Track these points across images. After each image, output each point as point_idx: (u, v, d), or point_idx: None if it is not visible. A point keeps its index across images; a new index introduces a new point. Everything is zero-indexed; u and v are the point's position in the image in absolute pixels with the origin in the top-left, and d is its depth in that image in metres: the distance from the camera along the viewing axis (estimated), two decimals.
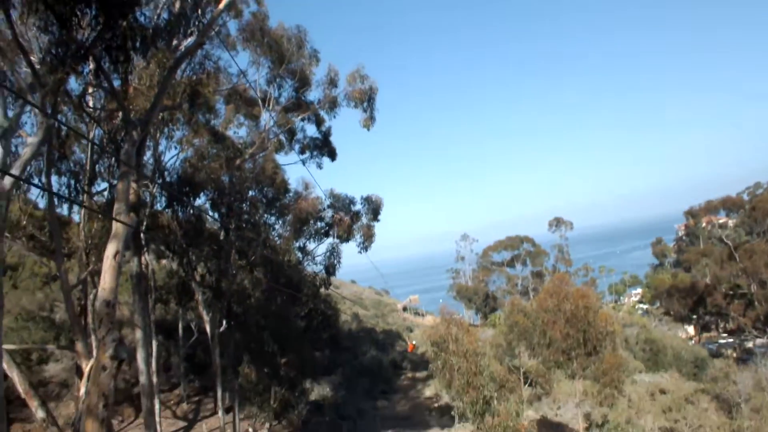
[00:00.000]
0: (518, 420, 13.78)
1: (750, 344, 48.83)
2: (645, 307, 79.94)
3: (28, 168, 14.63)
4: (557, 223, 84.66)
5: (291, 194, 23.06)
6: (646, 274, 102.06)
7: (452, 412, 14.54)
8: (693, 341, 56.16)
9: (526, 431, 13.85)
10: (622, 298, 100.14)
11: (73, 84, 14.40)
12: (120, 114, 14.86)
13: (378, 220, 25.73)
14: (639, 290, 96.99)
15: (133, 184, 14.43)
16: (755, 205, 62.62)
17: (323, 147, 24.90)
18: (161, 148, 19.83)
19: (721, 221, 79.44)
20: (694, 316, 62.87)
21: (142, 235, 17.03)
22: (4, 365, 10.23)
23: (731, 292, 53.75)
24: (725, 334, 58.98)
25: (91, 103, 15.90)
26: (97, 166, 17.05)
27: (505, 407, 13.79)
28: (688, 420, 18.64)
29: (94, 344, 14.62)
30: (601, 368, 15.33)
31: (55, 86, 10.78)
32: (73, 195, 16.53)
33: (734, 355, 45.75)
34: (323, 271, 24.82)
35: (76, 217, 17.62)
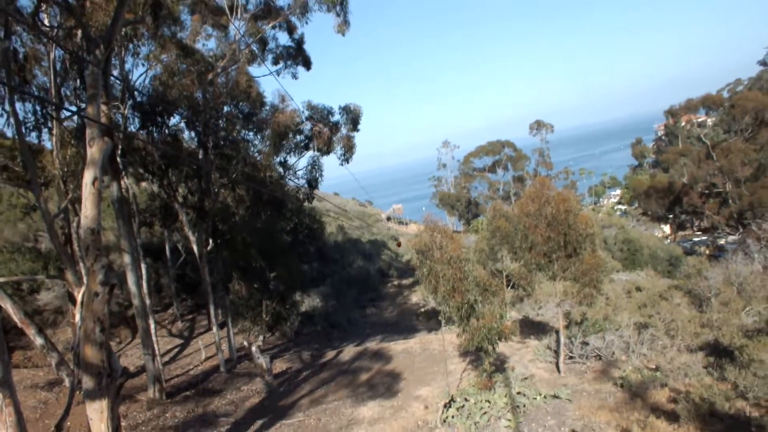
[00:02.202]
0: (502, 321, 14.26)
1: (722, 241, 50.48)
2: (623, 208, 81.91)
3: None
4: (538, 126, 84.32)
5: (267, 108, 22.38)
6: (625, 176, 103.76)
7: (439, 317, 15.04)
8: (669, 240, 58.02)
9: (510, 331, 14.37)
10: (601, 199, 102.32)
11: (24, 1, 13.49)
12: (79, 32, 14.05)
13: (358, 130, 25.24)
14: (618, 191, 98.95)
15: (103, 107, 13.93)
16: (734, 103, 62.15)
17: (297, 56, 23.87)
18: (128, 66, 18.90)
19: (700, 120, 79.36)
20: (671, 216, 64.40)
21: (119, 158, 16.65)
22: None
23: (707, 191, 54.78)
24: (699, 232, 60.84)
25: (47, 21, 14.91)
26: (62, 89, 16.29)
27: (490, 310, 14.20)
28: (662, 315, 19.56)
29: (83, 271, 14.69)
30: (580, 269, 15.69)
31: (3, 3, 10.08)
32: (41, 121, 15.91)
33: (707, 252, 47.48)
34: (306, 185, 24.66)
35: (48, 144, 17.03)
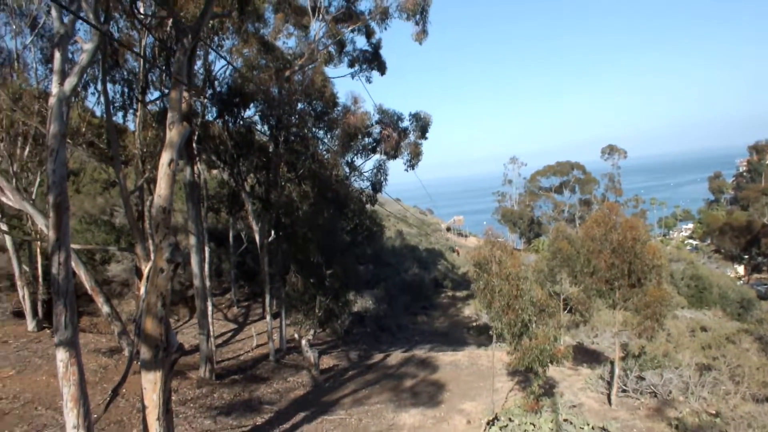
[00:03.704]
0: (555, 344, 13.86)
1: None
2: (695, 243, 77.95)
3: (85, 75, 14.88)
4: (610, 150, 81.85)
5: (339, 108, 22.68)
6: (699, 210, 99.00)
7: (490, 332, 14.80)
8: (742, 281, 54.69)
9: (562, 355, 13.94)
10: (671, 232, 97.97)
11: None
12: (170, 21, 14.75)
13: (426, 138, 25.24)
14: (690, 225, 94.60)
15: (185, 94, 14.57)
16: None
17: (373, 60, 24.22)
18: (211, 57, 19.72)
19: None
20: (746, 256, 60.92)
21: (194, 144, 17.37)
22: (72, 263, 10.85)
23: None
24: None
25: (142, 10, 15.75)
26: (149, 74, 17.15)
27: (543, 331, 13.84)
28: (727, 359, 18.43)
29: (151, 248, 15.34)
30: (643, 300, 15.00)
31: None
32: (127, 103, 16.83)
33: None
34: (370, 188, 24.87)
35: (131, 125, 18.02)
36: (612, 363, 17.07)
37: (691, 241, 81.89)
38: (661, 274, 16.10)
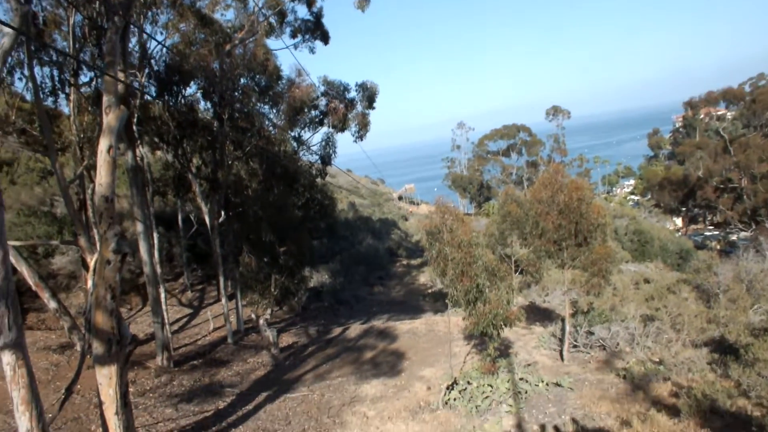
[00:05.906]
0: (508, 307, 14.24)
1: (734, 237, 49.81)
2: (636, 198, 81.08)
3: (9, 59, 13.98)
4: (555, 111, 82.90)
5: (284, 81, 22.23)
6: (639, 166, 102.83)
7: (446, 299, 15.09)
8: (680, 233, 57.42)
9: (515, 317, 14.35)
10: (614, 189, 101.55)
11: None
12: None
13: (373, 108, 25.01)
14: (632, 181, 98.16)
15: (121, 74, 13.92)
16: (756, 98, 60.96)
17: (315, 30, 23.62)
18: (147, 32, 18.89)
19: (719, 113, 78.02)
20: (684, 209, 63.74)
21: (134, 127, 16.70)
22: (12, 260, 10.37)
23: (722, 186, 54.03)
24: (711, 227, 60.08)
25: None
26: (81, 54, 16.26)
27: (497, 295, 14.16)
28: (669, 308, 19.46)
29: (96, 238, 14.83)
30: (590, 258, 15.55)
31: None
32: (59, 87, 15.95)
33: (718, 247, 47.14)
34: (319, 161, 24.64)
35: (65, 110, 17.10)
36: (563, 320, 17.72)
37: (633, 196, 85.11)
38: (605, 232, 16.70)
